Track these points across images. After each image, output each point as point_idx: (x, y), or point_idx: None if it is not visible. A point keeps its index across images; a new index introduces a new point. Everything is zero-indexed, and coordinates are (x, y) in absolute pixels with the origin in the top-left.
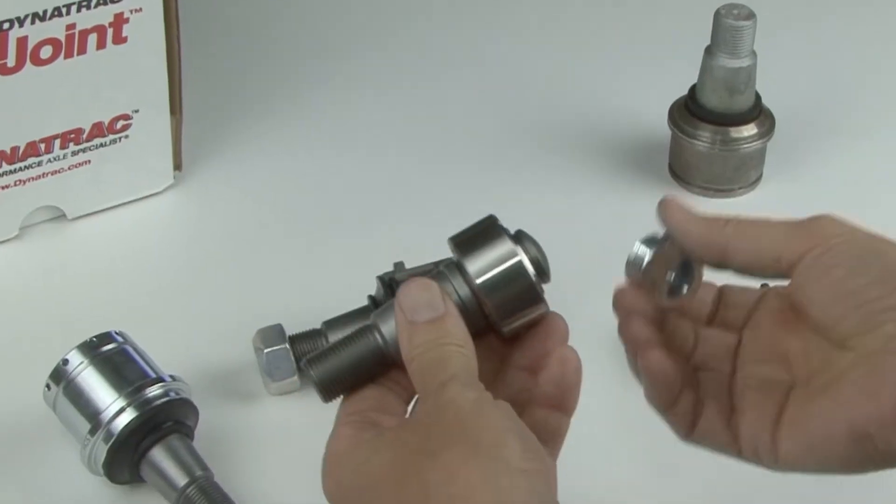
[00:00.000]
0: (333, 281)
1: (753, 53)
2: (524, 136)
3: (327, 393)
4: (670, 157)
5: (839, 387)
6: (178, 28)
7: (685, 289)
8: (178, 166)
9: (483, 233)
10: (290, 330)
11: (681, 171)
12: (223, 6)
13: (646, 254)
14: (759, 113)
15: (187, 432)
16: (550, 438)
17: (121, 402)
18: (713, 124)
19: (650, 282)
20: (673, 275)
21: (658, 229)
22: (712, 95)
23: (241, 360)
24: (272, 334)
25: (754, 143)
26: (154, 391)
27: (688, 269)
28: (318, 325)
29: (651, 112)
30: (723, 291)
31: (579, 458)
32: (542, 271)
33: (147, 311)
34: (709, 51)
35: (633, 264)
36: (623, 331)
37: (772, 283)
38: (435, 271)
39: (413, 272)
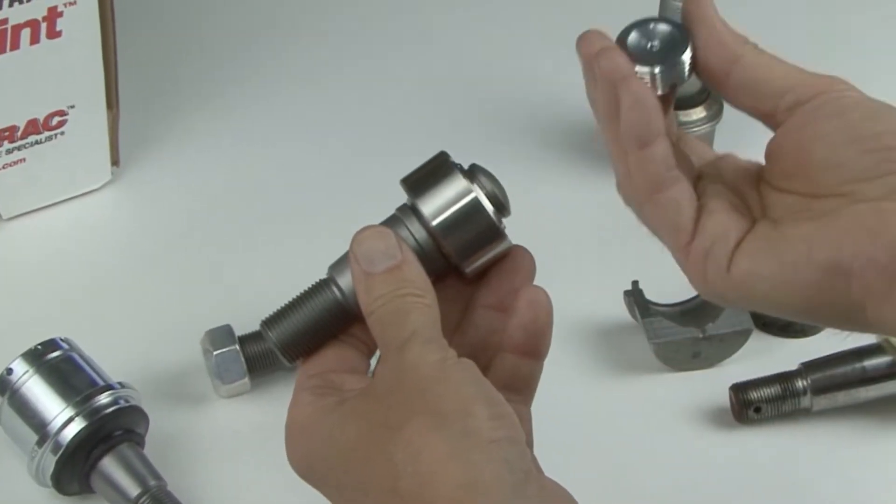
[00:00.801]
0: (282, 278)
1: None
2: (469, 123)
3: (289, 354)
4: None
5: (835, 217)
6: (114, 21)
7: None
8: (115, 162)
9: (435, 171)
10: (239, 330)
11: None
12: (161, 4)
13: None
14: (706, 96)
15: (138, 440)
16: (524, 386)
17: (69, 412)
18: None
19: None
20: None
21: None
22: None
23: (189, 362)
24: (221, 336)
25: (703, 127)
26: (103, 399)
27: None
28: None
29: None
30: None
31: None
32: (501, 205)
33: (89, 313)
34: None
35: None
36: (602, 59)
37: None
38: (389, 217)
39: None
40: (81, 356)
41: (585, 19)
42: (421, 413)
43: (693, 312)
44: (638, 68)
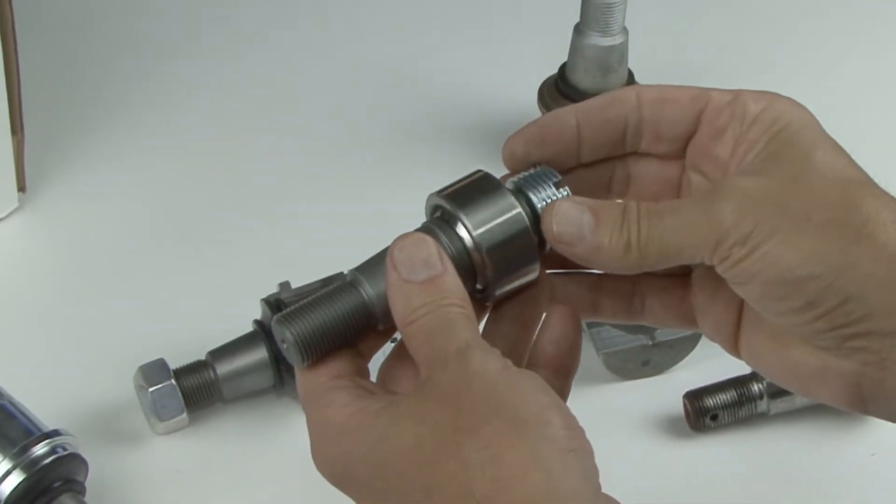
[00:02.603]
0: (213, 306)
1: (625, 30)
2: (390, 128)
3: (308, 353)
4: None
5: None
6: (16, 45)
7: None
8: (21, 188)
9: (479, 185)
10: (173, 362)
11: None
12: (58, 22)
13: None
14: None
15: (79, 489)
16: None
17: (6, 465)
18: None
19: None
20: None
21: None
22: (584, 76)
23: (121, 398)
24: (155, 370)
25: None
26: (40, 449)
27: None
28: (202, 356)
29: (520, 93)
30: None
31: None
32: (539, 230)
33: (6, 351)
34: (578, 29)
35: None
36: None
37: None
38: (423, 226)
39: (301, 292)
40: (12, 403)
41: (504, 11)
42: (498, 417)
43: None
44: None
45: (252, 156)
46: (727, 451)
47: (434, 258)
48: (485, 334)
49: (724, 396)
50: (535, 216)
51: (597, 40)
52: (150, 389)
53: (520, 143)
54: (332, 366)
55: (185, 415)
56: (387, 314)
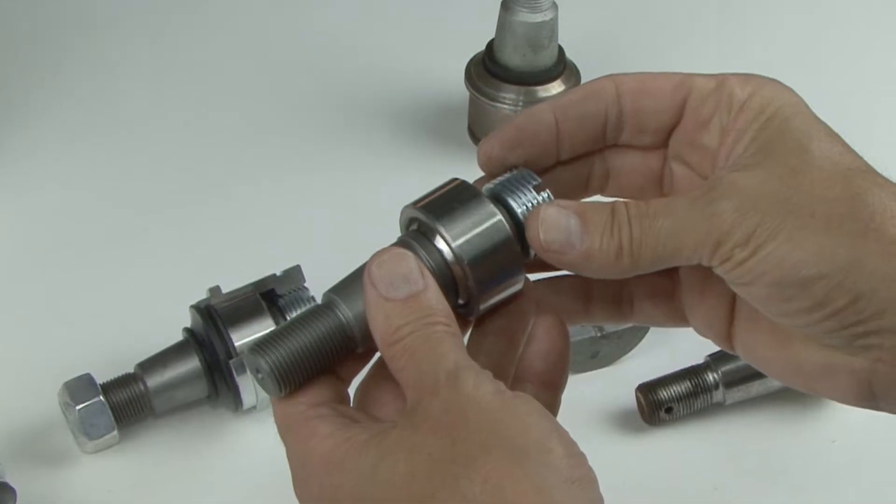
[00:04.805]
0: (140, 315)
1: (554, 5)
2: (313, 115)
3: (285, 382)
4: (470, 120)
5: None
6: None
7: None
8: None
9: (456, 195)
10: (100, 377)
11: (483, 134)
12: None
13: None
14: (563, 68)
15: None
16: None
17: None
18: (516, 84)
19: None
20: None
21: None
22: (514, 54)
23: (45, 417)
24: (81, 386)
25: None
26: None
27: None
28: (130, 369)
29: (447, 72)
30: None
31: None
32: (523, 239)
33: None
34: (506, 6)
35: None
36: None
37: None
38: (399, 240)
39: (233, 297)
40: None
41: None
42: (497, 447)
43: None
44: None
45: (170, 152)
46: (684, 443)
47: (415, 273)
48: (468, 351)
49: (679, 388)
50: (516, 223)
51: (525, 16)
52: (78, 407)
53: (496, 145)
54: (310, 393)
55: (115, 432)
56: (366, 336)
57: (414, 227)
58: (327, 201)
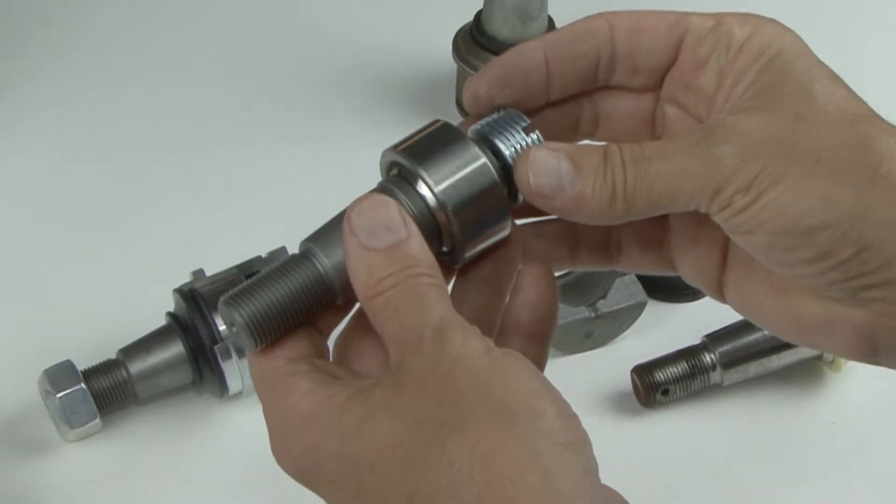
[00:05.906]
0: (122, 300)
1: None
2: (296, 89)
3: (260, 336)
4: (457, 92)
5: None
6: None
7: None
8: None
9: (439, 137)
10: (81, 364)
11: None
12: None
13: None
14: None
15: None
16: None
17: None
18: None
19: None
20: None
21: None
22: (503, 26)
23: (26, 405)
24: (62, 374)
25: None
26: None
27: None
28: (112, 355)
29: (435, 43)
30: None
31: None
32: (510, 182)
33: None
34: None
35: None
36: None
37: None
38: (379, 186)
39: (216, 280)
40: None
41: None
42: (485, 411)
43: (574, 287)
44: None
45: (152, 133)
46: (680, 426)
47: (397, 221)
48: (452, 300)
49: (675, 369)
50: (503, 166)
51: None
52: (58, 395)
53: (483, 83)
54: (288, 348)
55: (97, 420)
56: (346, 287)
57: (395, 171)
58: (312, 179)
